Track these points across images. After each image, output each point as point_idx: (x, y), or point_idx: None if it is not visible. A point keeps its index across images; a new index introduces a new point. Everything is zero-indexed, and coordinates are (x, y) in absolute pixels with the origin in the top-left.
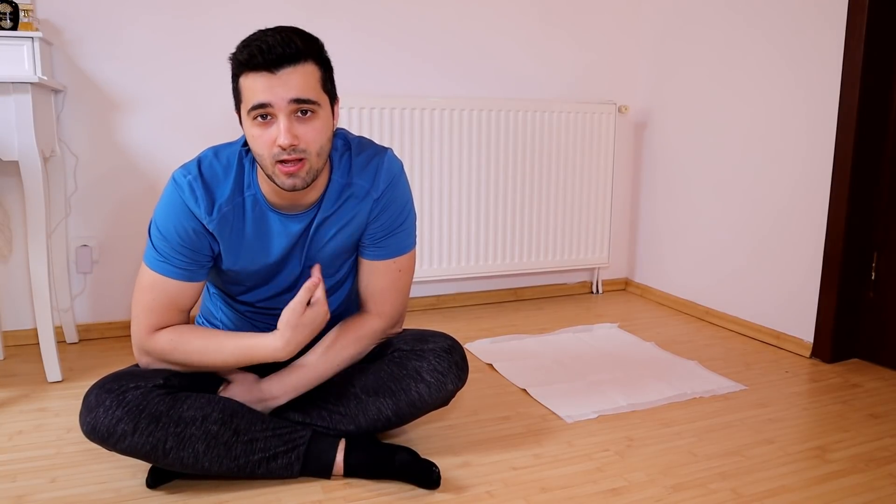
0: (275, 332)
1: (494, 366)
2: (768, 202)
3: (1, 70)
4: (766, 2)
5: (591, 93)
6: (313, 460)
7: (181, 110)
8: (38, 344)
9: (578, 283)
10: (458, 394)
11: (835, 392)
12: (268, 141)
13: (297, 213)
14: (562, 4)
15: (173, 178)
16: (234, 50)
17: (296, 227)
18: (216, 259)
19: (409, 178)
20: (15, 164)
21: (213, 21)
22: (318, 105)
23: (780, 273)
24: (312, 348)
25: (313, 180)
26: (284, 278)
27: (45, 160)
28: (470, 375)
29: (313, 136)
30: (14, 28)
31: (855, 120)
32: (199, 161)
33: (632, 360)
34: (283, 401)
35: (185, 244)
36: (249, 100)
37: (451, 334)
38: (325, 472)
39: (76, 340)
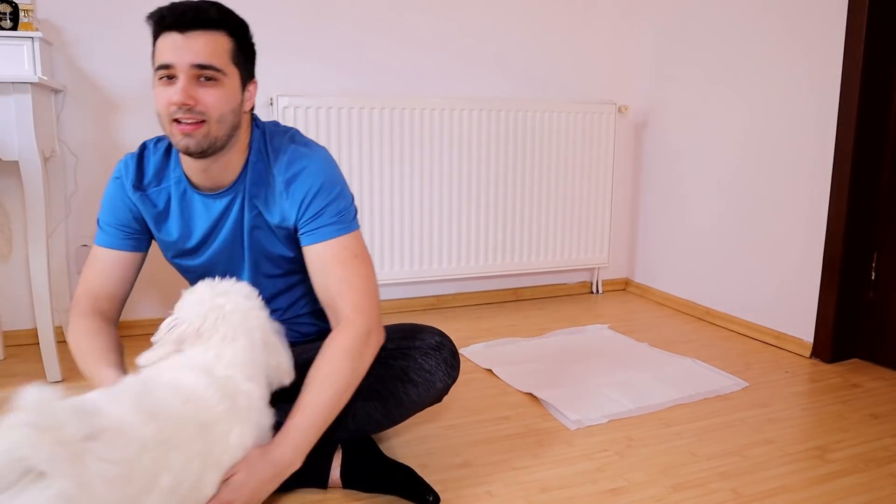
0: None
1: (493, 370)
2: (768, 202)
3: (1, 70)
4: (765, 2)
5: (591, 93)
6: (309, 473)
7: None
8: (38, 344)
9: (578, 283)
10: (459, 394)
11: (835, 392)
12: (166, 99)
13: (217, 193)
14: (562, 4)
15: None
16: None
17: (217, 206)
18: (150, 234)
19: (409, 178)
20: (15, 164)
21: None
22: (224, 74)
23: (780, 273)
24: (304, 385)
25: (210, 147)
26: (227, 266)
27: (45, 160)
28: (469, 377)
29: (213, 101)
30: (14, 28)
31: (855, 120)
32: (143, 144)
33: (630, 362)
34: (299, 463)
35: (116, 213)
36: (157, 60)
37: (451, 334)
38: (320, 483)
39: None
